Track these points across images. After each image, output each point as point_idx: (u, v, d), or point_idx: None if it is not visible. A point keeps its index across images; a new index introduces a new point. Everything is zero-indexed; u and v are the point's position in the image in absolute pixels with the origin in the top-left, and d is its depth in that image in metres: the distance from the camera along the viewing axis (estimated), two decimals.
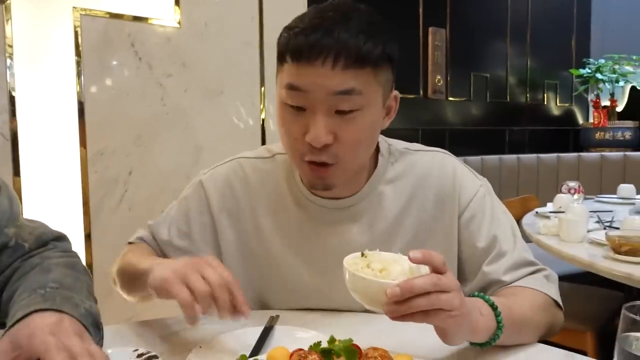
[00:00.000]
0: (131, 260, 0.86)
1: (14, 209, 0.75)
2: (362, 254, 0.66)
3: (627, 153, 3.44)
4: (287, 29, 0.76)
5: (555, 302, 0.82)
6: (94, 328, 0.67)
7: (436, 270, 0.61)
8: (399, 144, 0.92)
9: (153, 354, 0.70)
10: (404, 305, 0.58)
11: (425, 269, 0.62)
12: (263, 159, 0.93)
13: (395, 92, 0.83)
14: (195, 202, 0.93)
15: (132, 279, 0.84)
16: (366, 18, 0.75)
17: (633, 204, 2.27)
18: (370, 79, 0.74)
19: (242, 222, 0.91)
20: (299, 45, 0.72)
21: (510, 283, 0.83)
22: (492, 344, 0.69)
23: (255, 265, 0.91)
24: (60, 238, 0.80)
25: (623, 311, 0.51)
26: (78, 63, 1.84)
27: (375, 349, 0.52)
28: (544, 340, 0.79)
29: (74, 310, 0.64)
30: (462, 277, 0.89)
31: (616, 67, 3.74)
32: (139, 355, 0.70)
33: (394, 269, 0.62)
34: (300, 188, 0.89)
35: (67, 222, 1.84)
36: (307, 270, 0.88)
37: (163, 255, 0.93)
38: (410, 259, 0.59)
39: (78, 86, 1.84)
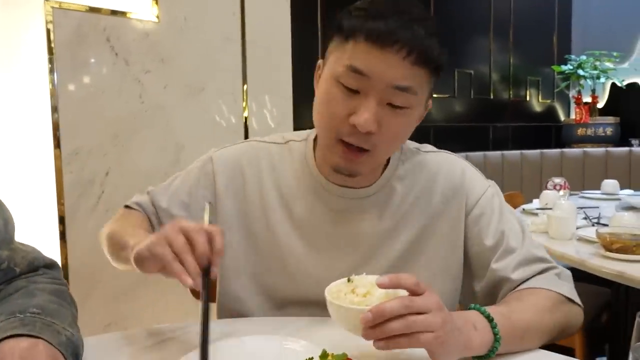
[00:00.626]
0: (121, 227, 0.85)
1: (9, 230, 0.73)
2: (349, 280, 0.66)
3: (608, 149, 3.47)
4: (360, 8, 0.75)
5: (570, 299, 0.80)
6: (73, 358, 0.63)
7: (411, 292, 0.60)
8: (411, 144, 0.93)
9: None
10: (378, 330, 0.57)
11: (403, 292, 0.61)
12: (276, 144, 0.92)
13: (430, 101, 0.84)
14: (201, 175, 0.90)
15: (117, 249, 0.82)
16: (436, 24, 0.77)
17: (618, 199, 2.27)
18: (425, 82, 0.77)
19: (248, 205, 0.89)
20: (377, 28, 0.72)
21: (520, 281, 0.82)
22: (491, 356, 0.67)
23: (257, 250, 0.88)
24: (52, 265, 0.78)
25: (637, 319, 0.47)
26: (50, 59, 1.75)
27: None
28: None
29: (53, 337, 0.61)
30: (472, 275, 0.88)
31: (597, 63, 3.77)
32: None
33: (375, 292, 0.62)
34: (315, 175, 0.87)
35: (41, 223, 1.77)
36: (311, 257, 0.86)
37: (160, 223, 0.91)
38: (378, 285, 0.60)
39: (50, 84, 1.76)
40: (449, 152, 0.95)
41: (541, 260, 0.84)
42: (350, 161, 0.79)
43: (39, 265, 0.75)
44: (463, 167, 0.91)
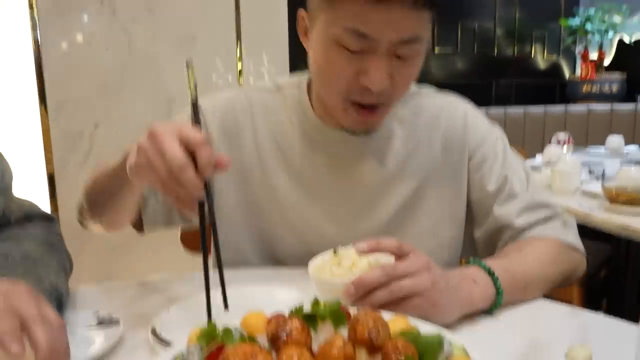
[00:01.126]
0: (101, 168, 0.76)
1: (5, 179, 0.71)
2: (334, 252, 0.65)
3: (613, 105, 3.39)
4: None
5: (575, 247, 0.78)
6: (56, 304, 0.62)
7: (394, 255, 0.59)
8: (411, 86, 0.87)
9: (115, 317, 0.64)
10: (365, 302, 0.56)
11: (388, 258, 0.60)
12: (269, 92, 0.86)
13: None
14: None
15: (105, 183, 0.74)
16: None
17: (624, 155, 2.22)
18: (427, 23, 0.71)
19: (243, 152, 0.84)
20: None
21: (523, 228, 0.79)
22: (494, 309, 0.66)
23: (253, 199, 0.84)
24: (49, 218, 0.77)
25: None
26: (32, 9, 1.66)
27: (367, 312, 0.44)
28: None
29: (35, 283, 0.59)
30: (472, 222, 0.86)
31: (606, 17, 3.64)
32: (100, 321, 0.64)
33: (361, 263, 0.61)
34: (312, 120, 0.83)
35: (29, 180, 1.72)
36: (311, 207, 0.83)
37: None
38: (357, 252, 0.59)
39: (32, 33, 1.67)
40: (451, 94, 0.90)
41: (546, 206, 0.82)
42: (366, 120, 0.75)
43: (34, 217, 0.74)
44: (465, 110, 0.87)
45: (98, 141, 1.80)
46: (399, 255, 0.60)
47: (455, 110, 0.87)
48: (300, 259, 0.82)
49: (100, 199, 0.77)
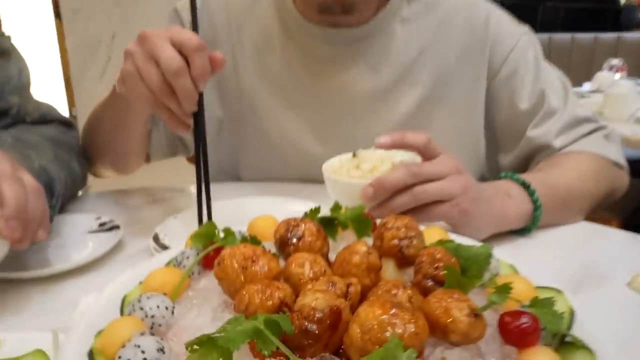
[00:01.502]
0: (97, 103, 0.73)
1: (23, 79, 0.68)
2: (354, 154, 0.57)
3: None
4: None
5: (617, 163, 0.69)
6: (47, 189, 0.56)
7: (420, 153, 0.51)
8: None
9: (115, 223, 0.61)
10: (385, 207, 0.48)
11: (415, 160, 0.52)
12: None
13: None
14: None
15: (102, 116, 0.70)
16: None
17: None
18: None
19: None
20: None
21: (563, 148, 0.69)
22: (533, 228, 0.58)
23: (229, 109, 0.75)
24: (67, 123, 0.72)
25: None
26: None
27: (398, 217, 0.36)
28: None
29: (22, 160, 0.54)
30: (497, 146, 0.75)
31: None
32: (101, 224, 0.62)
33: (382, 166, 0.53)
34: (293, 14, 0.71)
35: (47, 93, 1.67)
36: (292, 120, 0.73)
37: None
38: (377, 146, 0.51)
39: None
40: None
41: (587, 120, 0.71)
42: None
43: (51, 119, 0.70)
44: (488, 11, 0.72)
45: (116, 54, 1.71)
46: (426, 156, 0.52)
47: (475, 10, 0.72)
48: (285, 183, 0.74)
49: (101, 138, 0.72)
